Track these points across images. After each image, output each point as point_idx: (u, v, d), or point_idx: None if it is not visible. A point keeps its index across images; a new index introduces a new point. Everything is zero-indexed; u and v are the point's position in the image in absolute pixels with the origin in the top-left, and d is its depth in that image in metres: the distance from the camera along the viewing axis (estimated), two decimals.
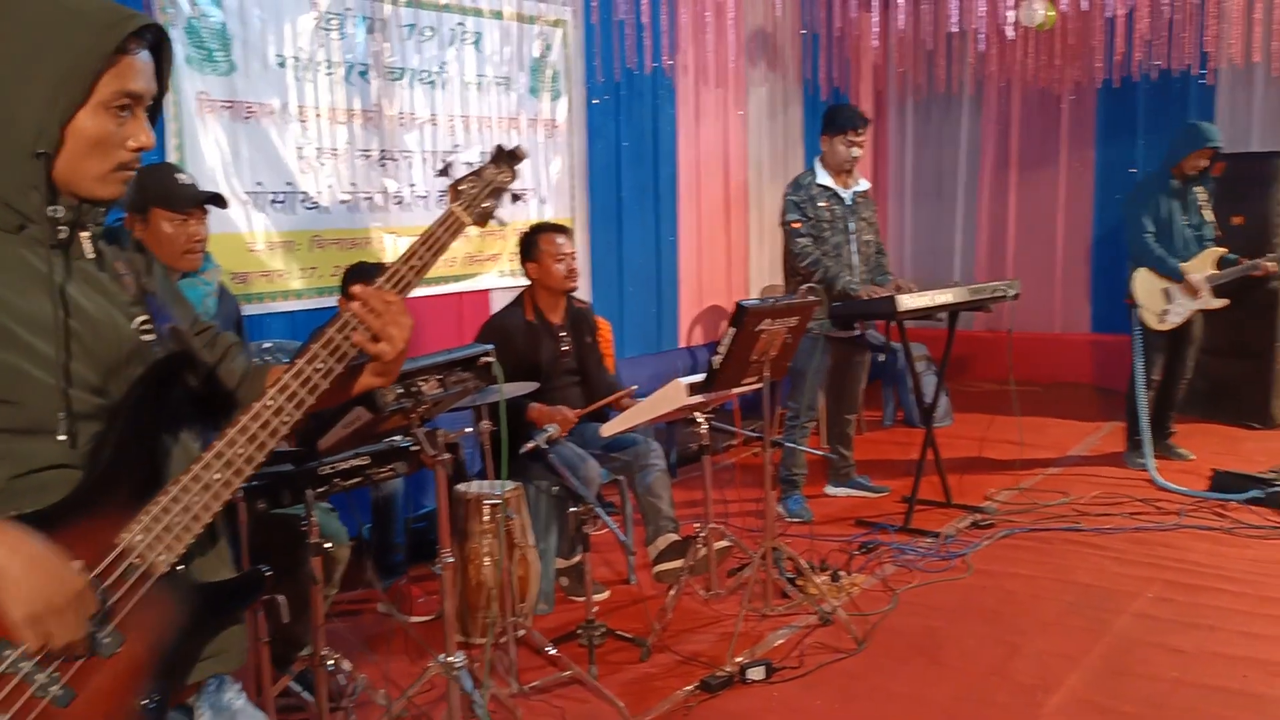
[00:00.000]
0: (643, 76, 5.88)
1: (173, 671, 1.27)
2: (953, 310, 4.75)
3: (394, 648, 3.37)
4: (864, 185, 4.90)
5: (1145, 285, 5.32)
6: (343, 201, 4.41)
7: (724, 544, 3.82)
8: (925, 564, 4.13)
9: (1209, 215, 5.38)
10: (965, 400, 6.92)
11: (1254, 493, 4.75)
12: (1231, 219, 6.29)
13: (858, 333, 4.94)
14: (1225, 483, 4.92)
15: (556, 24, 5.41)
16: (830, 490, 5.10)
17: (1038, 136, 7.83)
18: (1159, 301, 5.31)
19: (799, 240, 4.68)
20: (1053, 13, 6.48)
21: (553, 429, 3.25)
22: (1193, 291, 5.23)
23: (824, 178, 4.74)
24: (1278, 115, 6.96)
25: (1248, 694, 3.02)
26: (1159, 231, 5.30)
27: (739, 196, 6.79)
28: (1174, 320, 5.31)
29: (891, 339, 6.02)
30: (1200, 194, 5.36)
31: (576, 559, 3.64)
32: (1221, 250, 5.34)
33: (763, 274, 6.95)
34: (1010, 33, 6.62)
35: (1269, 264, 5.30)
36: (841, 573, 3.96)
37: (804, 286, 4.37)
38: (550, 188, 5.42)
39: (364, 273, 3.59)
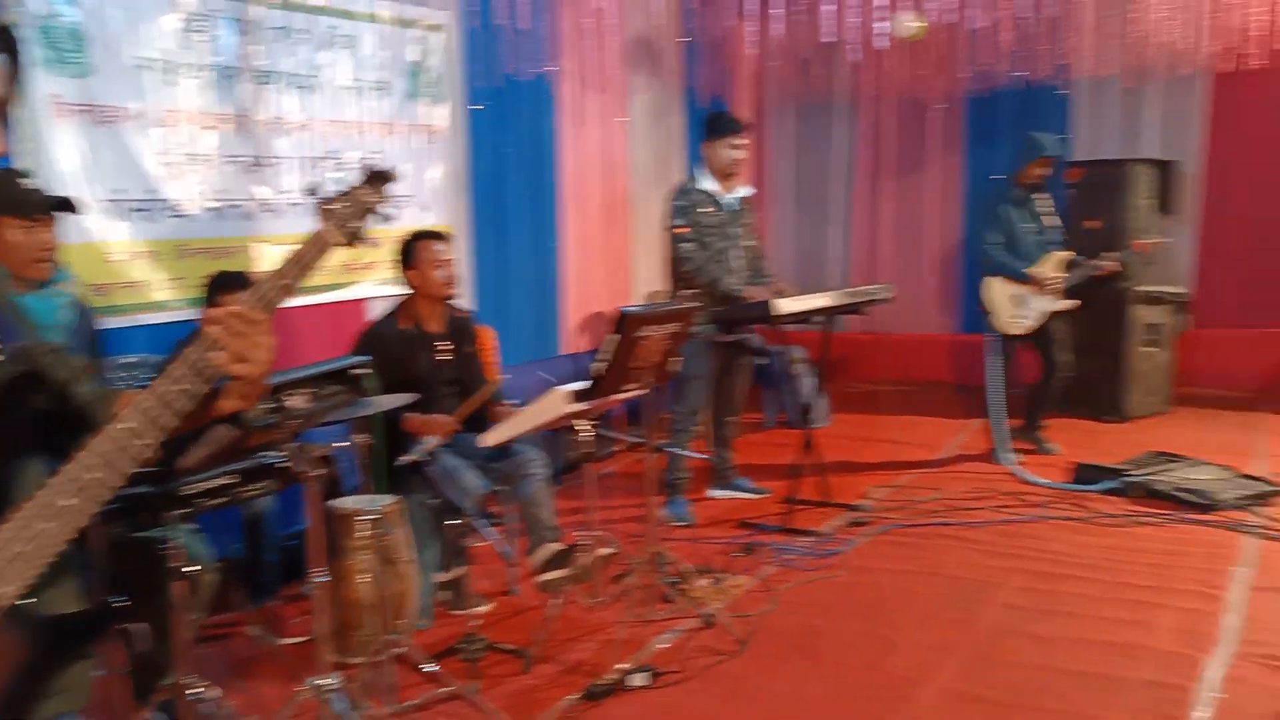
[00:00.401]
0: (524, 82, 5.85)
1: (13, 712, 1.21)
2: (829, 314, 4.87)
3: (265, 672, 3.27)
4: (746, 191, 4.99)
5: (997, 293, 5.57)
6: (211, 209, 4.27)
7: (607, 551, 3.83)
8: (805, 563, 4.22)
9: (1053, 220, 5.67)
10: (843, 401, 7.11)
11: (1110, 483, 5.01)
12: (1089, 222, 6.65)
13: (740, 336, 5.03)
14: (1085, 475, 5.17)
15: (435, 29, 5.34)
16: (712, 493, 5.18)
17: (910, 144, 8.10)
18: (1011, 307, 5.57)
19: (683, 246, 4.73)
20: (923, 24, 6.71)
21: (431, 441, 3.20)
22: (1040, 295, 5.51)
23: (707, 183, 4.81)
24: (1130, 125, 7.35)
25: (1102, 676, 3.18)
26: (1007, 240, 5.57)
27: (621, 202, 6.83)
28: (1028, 324, 5.58)
29: (773, 342, 6.14)
30: (1043, 200, 5.65)
31: (456, 572, 3.61)
32: (1068, 253, 5.64)
33: (646, 279, 7.00)
34: (882, 43, 6.83)
35: (1108, 263, 5.62)
36: (723, 575, 4.02)
37: (686, 292, 4.43)
38: (432, 194, 5.36)
39: (227, 282, 3.49)
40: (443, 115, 5.40)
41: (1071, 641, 3.44)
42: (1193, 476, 5.04)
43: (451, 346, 3.91)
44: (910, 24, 6.72)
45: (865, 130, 8.24)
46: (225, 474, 2.70)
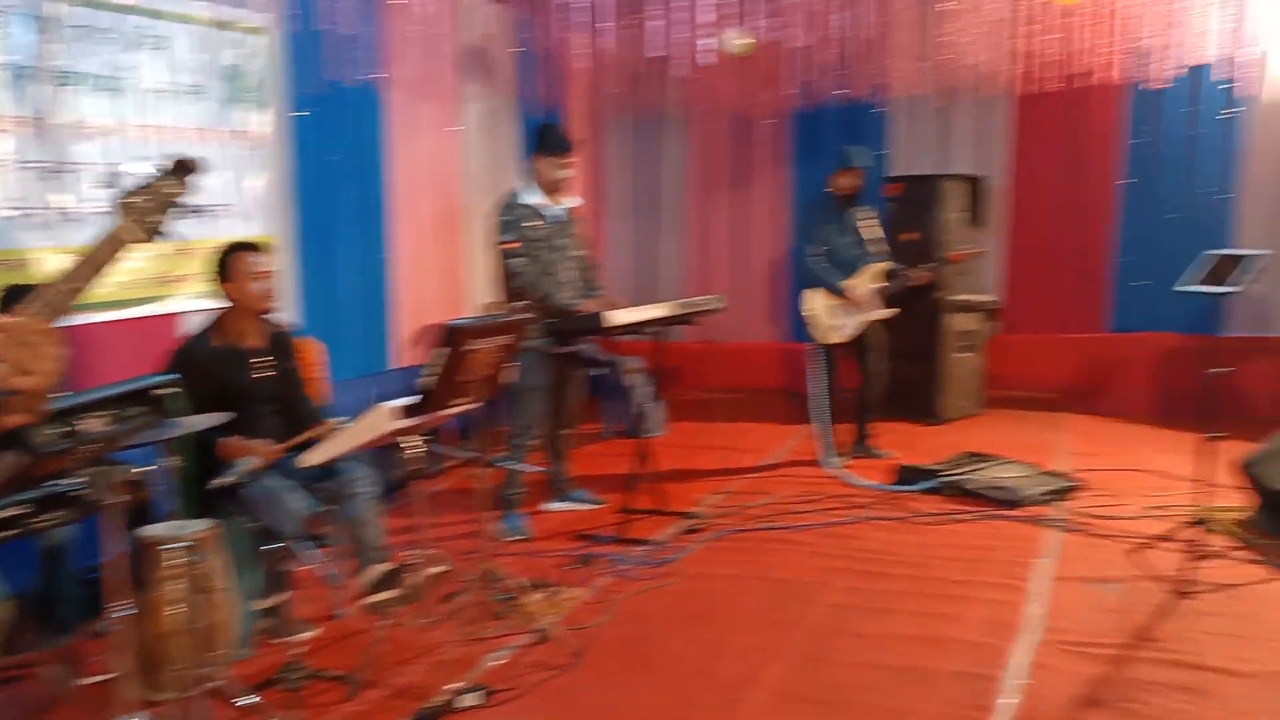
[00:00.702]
0: (351, 89, 5.70)
1: None
2: (661, 325, 4.94)
3: (65, 716, 3.06)
4: (573, 202, 5.01)
5: (817, 304, 5.80)
6: (4, 218, 3.98)
7: (438, 570, 3.76)
8: (640, 572, 4.26)
9: (871, 233, 5.93)
10: (679, 410, 7.20)
11: (928, 484, 5.27)
12: (907, 235, 6.98)
13: (575, 348, 5.03)
14: (905, 476, 5.42)
15: (255, 31, 5.14)
16: (549, 506, 5.16)
17: (739, 158, 8.32)
18: (830, 317, 5.80)
19: (513, 260, 4.71)
20: (750, 41, 6.89)
21: (249, 462, 3.06)
22: (857, 305, 5.76)
23: (532, 196, 4.80)
24: (943, 142, 7.76)
25: (918, 669, 3.33)
26: (826, 251, 5.81)
27: (455, 213, 6.74)
28: (846, 334, 5.82)
29: (610, 353, 6.17)
30: (863, 214, 5.91)
31: (278, 599, 3.47)
32: (884, 264, 5.92)
33: (481, 291, 6.92)
34: (707, 59, 6.98)
35: (920, 273, 5.92)
36: (558, 588, 4.01)
37: (517, 304, 4.40)
38: (253, 203, 5.15)
39: (18, 296, 3.25)
40: (264, 121, 5.20)
41: (891, 637, 3.58)
42: (1001, 475, 5.35)
43: (271, 362, 3.76)
44: (737, 41, 6.91)
45: (696, 144, 8.42)
46: (15, 504, 2.51)
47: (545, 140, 4.82)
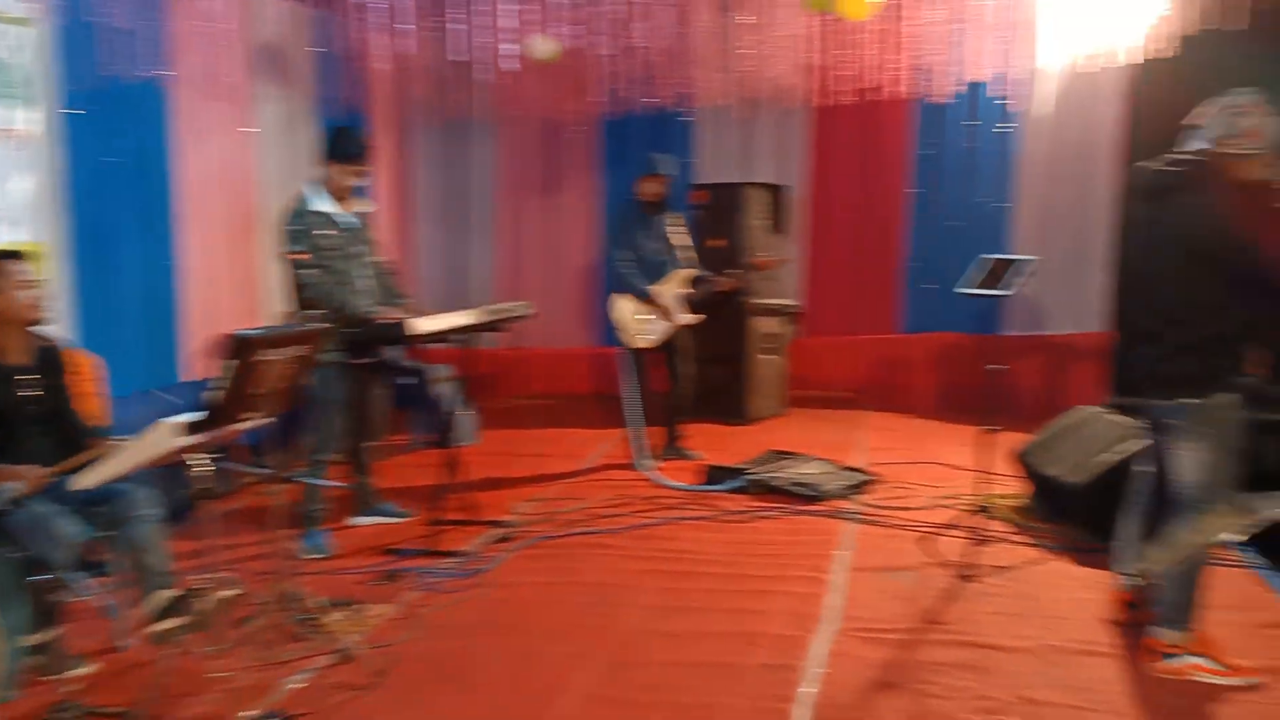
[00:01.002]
0: (131, 86, 5.35)
1: None
2: (467, 332, 4.86)
3: None
4: (366, 207, 4.86)
5: (624, 309, 5.87)
6: None
7: (229, 593, 3.56)
8: (449, 584, 4.17)
9: (679, 240, 6.05)
10: (492, 417, 7.13)
11: (735, 483, 5.41)
12: (714, 241, 7.16)
13: (377, 358, 4.89)
14: (713, 476, 5.54)
15: (20, 23, 4.75)
16: (355, 520, 5.00)
17: (549, 164, 8.34)
18: (639, 322, 5.88)
19: (304, 271, 4.52)
20: (556, 47, 6.90)
21: (13, 488, 2.81)
22: (665, 311, 5.87)
23: (322, 203, 4.61)
24: (746, 152, 8.00)
25: (725, 664, 3.40)
26: (634, 257, 5.89)
27: (250, 218, 6.43)
28: (654, 339, 5.92)
29: (417, 361, 6.04)
30: (671, 220, 6.03)
31: (48, 634, 3.21)
32: (690, 271, 6.05)
33: (279, 298, 6.63)
34: (512, 64, 6.94)
35: (724, 280, 6.08)
36: (362, 605, 3.88)
37: (309, 314, 4.24)
38: (20, 207, 4.75)
39: None
40: (32, 120, 4.82)
41: (701, 635, 3.65)
42: (804, 471, 5.56)
43: (38, 379, 3.48)
44: (543, 46, 6.90)
45: (505, 150, 8.38)
46: None
47: (338, 145, 4.64)
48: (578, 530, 4.84)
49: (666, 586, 4.12)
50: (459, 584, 4.18)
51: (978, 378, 4.57)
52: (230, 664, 3.40)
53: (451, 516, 4.79)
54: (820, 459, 5.82)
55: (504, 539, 4.71)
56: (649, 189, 5.92)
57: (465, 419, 6.38)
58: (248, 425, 3.35)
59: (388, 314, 4.61)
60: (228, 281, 6.24)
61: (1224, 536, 2.42)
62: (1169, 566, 3.05)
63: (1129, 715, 3.07)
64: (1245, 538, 4.06)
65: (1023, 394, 7.18)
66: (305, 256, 4.49)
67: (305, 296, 4.52)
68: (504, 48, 6.66)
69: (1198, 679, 3.25)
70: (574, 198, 8.35)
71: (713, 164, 8.05)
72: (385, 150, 7.81)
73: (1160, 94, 6.91)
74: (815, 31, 6.45)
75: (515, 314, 5.02)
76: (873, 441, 6.64)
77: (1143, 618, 3.46)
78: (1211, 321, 3.18)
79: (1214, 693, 3.19)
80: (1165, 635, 3.32)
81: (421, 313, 4.59)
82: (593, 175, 8.30)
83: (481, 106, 7.90)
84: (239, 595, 3.60)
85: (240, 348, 3.09)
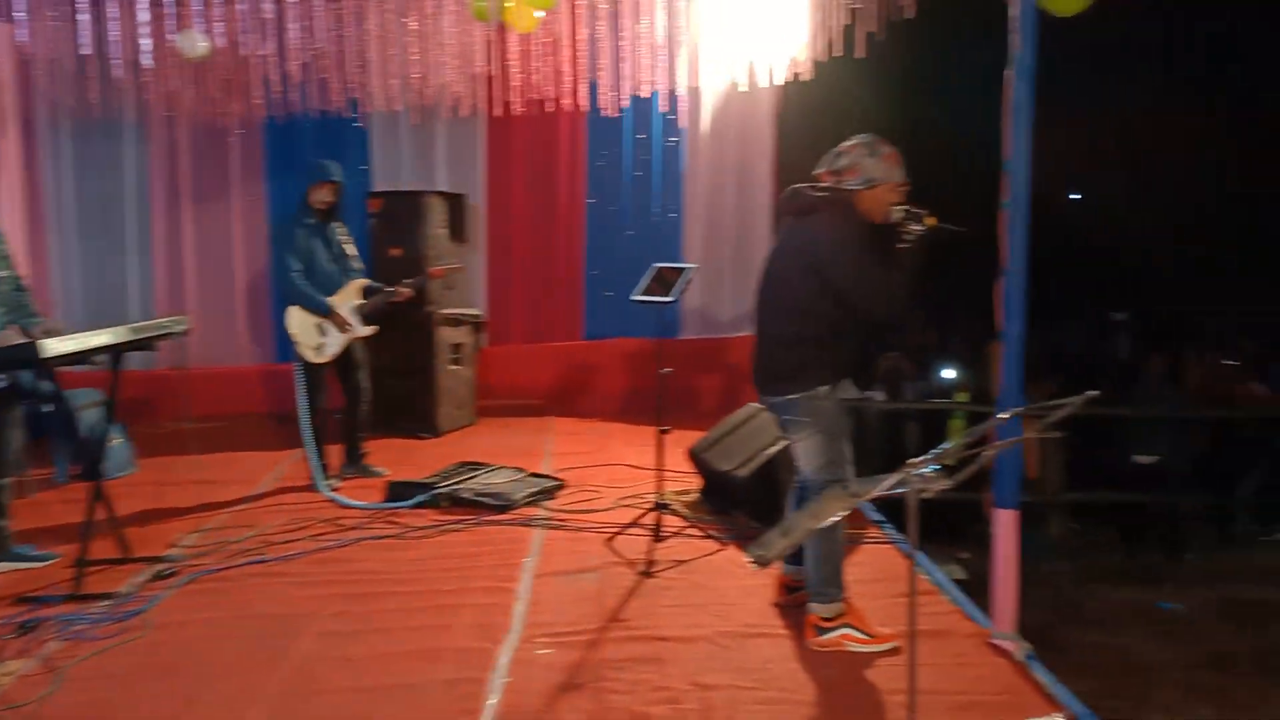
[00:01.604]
0: None
1: None
2: (115, 351, 4.41)
3: None
4: None
5: (299, 322, 5.61)
6: None
7: None
8: (99, 631, 3.77)
9: (351, 249, 5.86)
10: (151, 445, 6.55)
11: (420, 498, 5.29)
12: (392, 250, 6.98)
13: (7, 384, 4.35)
14: (396, 492, 5.39)
15: None
16: None
17: (210, 169, 7.78)
18: (314, 336, 5.64)
19: None
20: (207, 44, 6.43)
21: None
22: (341, 323, 5.66)
23: None
24: (423, 159, 7.88)
25: (408, 685, 3.30)
26: (306, 268, 5.63)
27: None
28: (331, 352, 5.69)
29: (57, 386, 5.42)
30: (340, 229, 5.82)
31: None
32: (365, 280, 5.87)
33: None
34: (150, 60, 6.38)
35: (404, 289, 5.95)
36: None
37: None
38: None
39: None
40: None
41: (381, 658, 3.52)
42: (492, 481, 5.54)
43: None
44: (194, 43, 6.42)
45: (159, 153, 7.71)
46: None
47: None
48: (248, 560, 4.53)
49: (346, 610, 3.95)
50: (110, 629, 3.78)
51: (654, 380, 4.73)
52: None
53: (101, 556, 4.33)
54: (509, 468, 5.83)
55: (163, 576, 4.32)
56: (319, 196, 5.68)
57: (116, 447, 5.84)
58: None
59: (7, 336, 4.08)
60: None
61: (835, 518, 2.67)
62: (787, 550, 3.30)
63: (792, 690, 3.30)
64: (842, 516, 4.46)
65: (699, 394, 7.57)
66: None
67: None
68: (144, 42, 6.10)
69: (849, 648, 3.56)
70: (239, 206, 7.84)
71: (388, 171, 7.86)
72: (6, 153, 6.97)
73: (800, 115, 7.60)
74: (484, 40, 6.44)
75: (168, 331, 4.61)
76: (560, 447, 6.74)
77: (802, 599, 3.73)
78: (809, 323, 3.52)
79: (863, 660, 3.50)
80: (819, 610, 3.61)
81: (57, 332, 4.10)
82: (258, 182, 7.83)
83: (127, 106, 7.23)
84: None
85: None
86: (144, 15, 5.94)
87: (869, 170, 3.50)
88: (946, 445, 2.50)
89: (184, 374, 7.24)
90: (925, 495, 2.25)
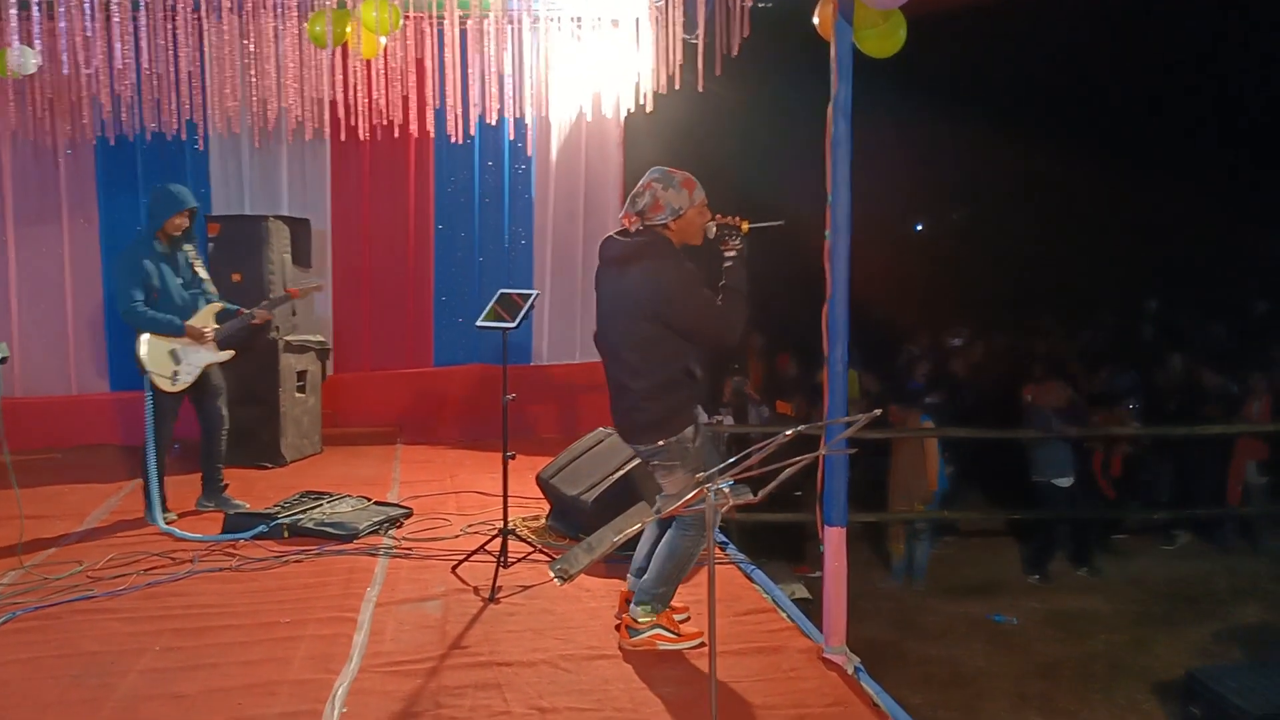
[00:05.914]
0: None
1: None
2: None
3: None
4: None
5: (151, 351, 5.39)
6: None
7: None
8: None
9: (203, 273, 5.68)
10: None
11: (260, 528, 5.16)
12: (232, 276, 6.77)
13: None
14: (235, 523, 5.25)
15: None
16: None
17: (36, 191, 7.42)
18: (167, 364, 5.43)
19: None
20: (32, 59, 6.13)
21: None
22: (199, 335, 5.46)
23: None
24: (264, 182, 7.70)
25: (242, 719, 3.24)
26: (158, 296, 5.42)
27: None
28: (186, 379, 5.49)
29: None
30: (190, 252, 5.63)
31: None
32: (220, 304, 5.69)
33: None
34: None
35: (262, 312, 5.80)
36: None
37: None
38: None
39: None
40: None
41: (214, 692, 3.44)
42: (336, 510, 5.44)
43: None
44: (23, 59, 6.12)
45: None
46: None
47: None
48: (74, 597, 4.33)
49: (178, 645, 3.83)
50: None
51: (501, 407, 4.75)
52: None
53: None
54: (354, 496, 5.74)
55: None
56: (177, 224, 5.45)
57: None
58: None
59: None
60: None
61: (634, 532, 2.82)
62: (589, 565, 3.41)
63: (630, 709, 3.37)
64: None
65: (547, 420, 7.62)
66: None
67: None
68: None
69: (659, 648, 3.74)
70: (71, 229, 7.49)
71: (228, 195, 7.66)
72: None
73: (646, 144, 7.80)
74: (328, 64, 6.34)
75: None
76: (409, 475, 6.67)
77: None
78: (663, 368, 3.59)
79: (702, 679, 3.59)
80: (638, 614, 3.77)
81: None
82: (91, 205, 7.51)
83: None
84: None
85: None
86: None
87: (671, 201, 3.59)
88: (734, 459, 2.59)
89: (10, 403, 6.85)
90: (725, 509, 2.36)
